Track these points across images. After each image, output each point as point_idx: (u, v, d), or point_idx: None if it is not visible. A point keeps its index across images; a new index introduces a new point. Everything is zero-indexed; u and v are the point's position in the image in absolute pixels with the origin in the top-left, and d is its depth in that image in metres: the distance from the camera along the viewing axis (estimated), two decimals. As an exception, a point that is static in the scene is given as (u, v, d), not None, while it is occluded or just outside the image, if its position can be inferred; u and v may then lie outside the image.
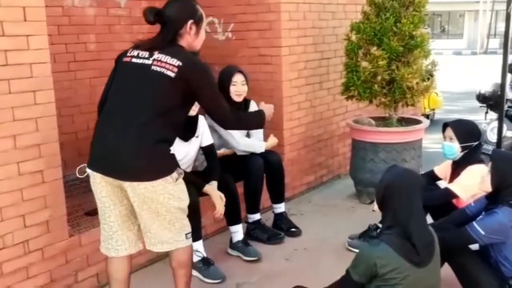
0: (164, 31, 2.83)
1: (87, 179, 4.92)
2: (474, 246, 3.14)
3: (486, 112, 8.15)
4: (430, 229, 2.70)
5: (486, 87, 7.96)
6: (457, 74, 18.66)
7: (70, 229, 3.58)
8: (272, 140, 4.57)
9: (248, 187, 4.36)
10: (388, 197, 2.64)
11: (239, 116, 3.21)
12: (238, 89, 4.32)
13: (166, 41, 2.80)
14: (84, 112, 5.04)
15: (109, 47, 5.15)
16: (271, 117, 3.31)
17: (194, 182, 3.81)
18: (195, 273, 3.82)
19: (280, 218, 4.60)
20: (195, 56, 2.87)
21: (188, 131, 3.95)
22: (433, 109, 10.07)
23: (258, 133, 4.59)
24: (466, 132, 3.76)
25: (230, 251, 4.20)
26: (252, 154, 4.40)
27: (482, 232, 2.97)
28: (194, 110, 3.91)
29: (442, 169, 4.04)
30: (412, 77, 4.86)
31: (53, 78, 4.75)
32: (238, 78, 4.32)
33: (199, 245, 3.84)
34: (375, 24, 4.94)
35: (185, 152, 3.91)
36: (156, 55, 2.75)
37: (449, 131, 3.78)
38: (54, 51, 4.68)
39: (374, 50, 4.87)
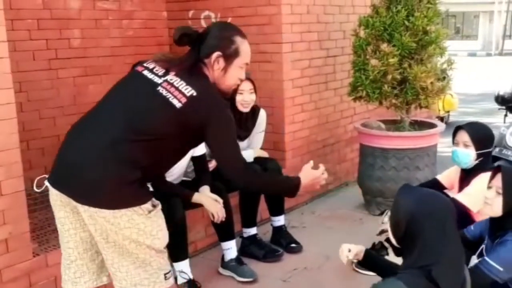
0: (187, 54, 2.42)
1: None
2: None
3: (506, 115, 7.76)
4: (466, 270, 2.21)
5: (505, 89, 7.57)
6: (472, 75, 18.16)
7: (37, 247, 3.16)
8: (261, 152, 4.22)
9: (243, 198, 3.95)
10: (414, 230, 2.11)
11: (258, 177, 2.59)
12: (245, 98, 3.90)
13: (186, 65, 2.36)
14: (68, 114, 4.62)
15: (95, 43, 4.77)
16: (315, 187, 2.61)
17: (181, 195, 3.42)
18: (180, 296, 3.41)
19: (279, 232, 4.16)
20: (214, 90, 2.39)
21: None
22: (448, 111, 9.66)
23: (257, 142, 4.18)
24: (483, 137, 3.31)
25: (221, 270, 3.76)
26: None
27: (500, 268, 2.44)
28: None
29: (447, 178, 3.61)
30: (426, 76, 4.41)
31: (32, 77, 4.41)
32: (245, 86, 3.87)
33: (185, 266, 3.42)
34: (385, 18, 4.50)
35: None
36: (171, 76, 2.32)
37: (464, 136, 3.30)
38: (33, 47, 4.35)
39: (384, 46, 4.44)
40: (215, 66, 2.39)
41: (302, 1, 4.78)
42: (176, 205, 3.35)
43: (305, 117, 5.02)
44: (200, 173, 3.69)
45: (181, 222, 3.38)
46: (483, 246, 2.64)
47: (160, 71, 2.34)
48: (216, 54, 2.38)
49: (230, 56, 2.41)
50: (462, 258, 2.19)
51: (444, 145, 6.34)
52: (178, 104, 2.23)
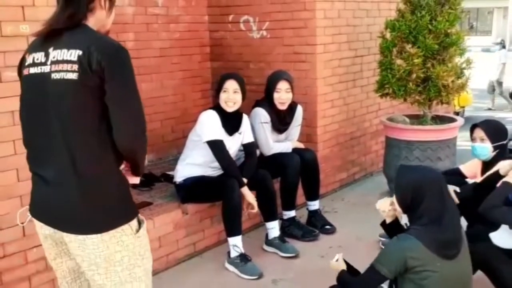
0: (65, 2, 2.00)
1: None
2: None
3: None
4: (461, 228, 2.69)
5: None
6: (485, 71, 18.40)
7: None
8: (298, 143, 4.69)
9: (284, 184, 4.39)
10: (418, 198, 2.59)
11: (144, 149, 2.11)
12: (281, 96, 4.36)
13: (64, 18, 1.98)
14: (123, 109, 5.11)
15: (147, 45, 5.24)
16: None
17: (237, 178, 3.89)
18: (232, 268, 3.90)
19: (315, 215, 4.63)
20: (97, 34, 2.01)
21: (233, 125, 4.04)
22: (463, 107, 10.03)
23: (294, 135, 4.66)
24: (497, 131, 3.71)
25: (265, 247, 4.24)
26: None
27: None
28: (231, 107, 3.98)
29: (470, 168, 3.98)
30: (447, 75, 4.85)
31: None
32: (282, 86, 4.35)
33: (238, 241, 3.90)
34: (410, 22, 4.93)
35: (228, 146, 3.98)
36: (52, 52, 1.95)
37: (479, 132, 3.71)
38: (93, 49, 4.80)
39: (409, 48, 4.87)
40: (103, 6, 2.07)
41: (334, 6, 5.22)
42: (234, 185, 3.82)
43: (335, 112, 5.47)
44: (250, 160, 4.16)
45: (238, 200, 3.83)
46: None
47: (41, 56, 1.99)
48: None
49: None
50: (457, 217, 2.67)
51: (460, 139, 6.79)
52: (74, 76, 1.89)
